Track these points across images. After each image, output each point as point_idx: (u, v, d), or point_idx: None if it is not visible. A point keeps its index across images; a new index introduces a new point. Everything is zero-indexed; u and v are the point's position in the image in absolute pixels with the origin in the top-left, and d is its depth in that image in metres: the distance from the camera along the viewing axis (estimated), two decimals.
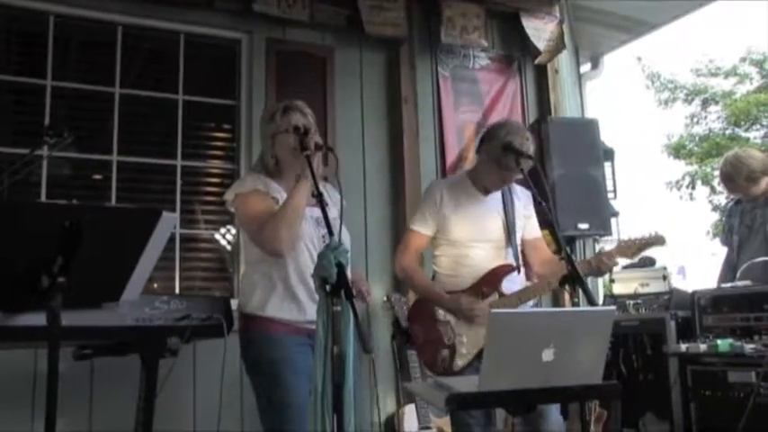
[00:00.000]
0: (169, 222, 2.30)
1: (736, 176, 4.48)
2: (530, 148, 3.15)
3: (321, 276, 2.17)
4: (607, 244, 5.66)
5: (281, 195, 2.86)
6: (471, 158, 5.23)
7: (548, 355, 2.13)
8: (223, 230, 4.75)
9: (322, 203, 2.43)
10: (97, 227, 2.10)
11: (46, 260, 2.03)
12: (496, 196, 3.34)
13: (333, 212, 2.86)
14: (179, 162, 4.57)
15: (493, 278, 3.19)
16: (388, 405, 4.47)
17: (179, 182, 4.55)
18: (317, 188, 2.46)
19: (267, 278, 2.83)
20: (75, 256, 2.05)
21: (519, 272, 3.28)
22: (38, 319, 2.19)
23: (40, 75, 4.28)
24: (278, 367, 2.74)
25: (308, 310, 2.77)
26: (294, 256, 2.81)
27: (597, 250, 3.89)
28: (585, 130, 5.21)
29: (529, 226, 3.42)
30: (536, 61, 5.62)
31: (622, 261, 3.48)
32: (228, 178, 4.73)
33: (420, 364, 4.07)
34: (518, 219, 3.35)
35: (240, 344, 2.86)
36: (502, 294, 3.16)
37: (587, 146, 5.13)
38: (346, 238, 2.89)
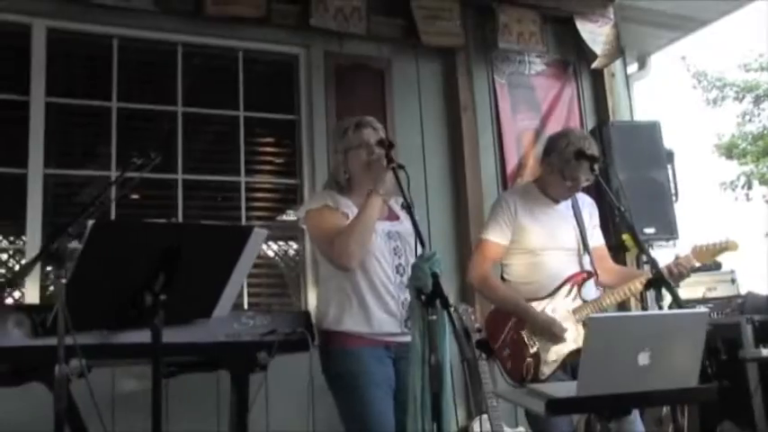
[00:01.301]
0: (259, 238, 2.34)
1: None
2: (596, 151, 3.17)
3: (416, 287, 2.19)
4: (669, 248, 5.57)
5: (352, 211, 2.88)
6: (531, 165, 5.21)
7: (644, 358, 2.12)
8: (284, 247, 4.79)
9: (412, 215, 2.46)
10: (194, 245, 2.15)
11: (149, 278, 2.08)
12: (567, 204, 3.34)
13: (405, 225, 2.93)
14: (242, 179, 4.62)
15: (573, 285, 3.17)
16: (459, 417, 4.44)
17: (243, 198, 4.60)
18: (405, 200, 2.49)
19: (340, 293, 2.85)
20: (176, 273, 2.10)
21: (596, 279, 3.26)
22: (138, 336, 2.25)
23: (105, 97, 4.37)
24: (357, 380, 2.75)
25: (381, 322, 2.79)
26: (365, 269, 2.82)
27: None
28: (647, 132, 5.16)
29: (596, 234, 3.41)
30: (593, 65, 5.57)
31: None
32: (291, 194, 4.78)
33: (493, 373, 4.04)
34: (588, 227, 3.34)
35: (320, 359, 2.89)
36: (584, 301, 3.14)
37: (649, 149, 5.08)
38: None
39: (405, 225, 2.96)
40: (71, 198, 4.32)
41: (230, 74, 4.74)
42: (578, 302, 3.13)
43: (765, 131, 15.36)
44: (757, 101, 15.64)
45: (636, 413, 2.96)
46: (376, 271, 2.83)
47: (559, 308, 3.14)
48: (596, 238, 3.40)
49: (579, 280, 3.18)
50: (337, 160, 3.02)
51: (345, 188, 2.98)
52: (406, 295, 2.78)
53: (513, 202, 3.30)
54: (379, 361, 2.80)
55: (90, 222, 1.96)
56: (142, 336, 2.18)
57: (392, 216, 3.00)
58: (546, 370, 3.07)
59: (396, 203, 3.06)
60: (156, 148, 2.59)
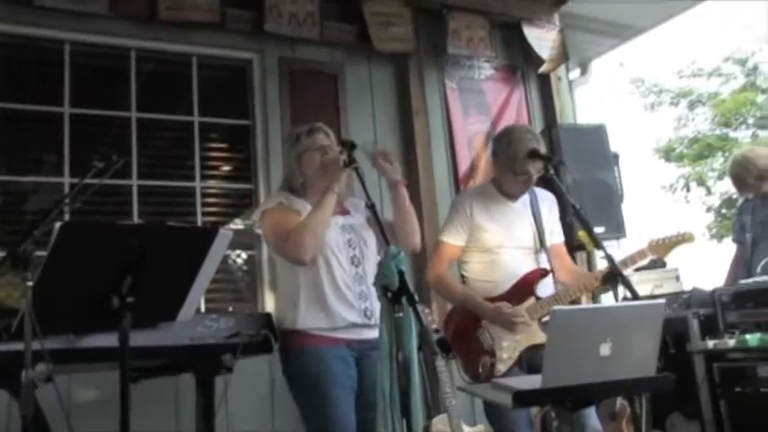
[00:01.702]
0: (224, 240, 2.34)
1: (746, 176, 4.57)
2: (543, 146, 3.25)
3: (383, 284, 2.22)
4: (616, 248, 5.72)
5: (307, 210, 2.92)
6: (483, 168, 5.30)
7: (605, 349, 2.19)
8: (240, 252, 4.78)
9: (376, 214, 2.50)
10: (161, 246, 2.14)
11: (116, 280, 2.07)
12: (525, 201, 3.40)
13: (357, 219, 3.05)
14: (198, 184, 4.61)
15: (528, 283, 3.23)
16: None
17: (199, 204, 4.58)
18: (369, 199, 2.53)
19: (298, 290, 2.88)
20: (143, 275, 2.10)
21: (553, 275, 3.34)
22: (103, 340, 2.24)
23: (57, 102, 4.31)
24: (319, 380, 2.78)
25: (340, 314, 2.83)
26: (323, 262, 2.87)
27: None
28: (594, 135, 5.31)
29: (555, 231, 3.48)
30: (540, 70, 5.71)
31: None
32: (246, 198, 4.78)
33: (451, 371, 4.10)
34: (546, 223, 3.42)
35: (281, 360, 2.90)
36: (538, 298, 3.21)
37: (596, 151, 5.22)
38: (374, 246, 3.02)
39: (356, 219, 3.06)
40: (18, 206, 4.24)
41: (184, 79, 4.73)
42: (532, 300, 3.20)
43: (700, 135, 15.85)
44: (691, 106, 16.14)
45: (592, 410, 3.04)
46: (333, 263, 2.88)
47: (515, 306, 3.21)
48: (556, 235, 3.46)
49: (535, 277, 3.25)
50: (291, 165, 3.08)
51: (299, 191, 3.04)
52: (362, 287, 2.89)
53: (468, 204, 3.35)
54: (342, 361, 2.83)
55: (57, 225, 1.94)
56: (108, 339, 2.17)
57: (344, 211, 3.06)
58: (501, 367, 3.12)
59: (347, 202, 3.13)
60: (117, 153, 2.57)
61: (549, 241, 3.40)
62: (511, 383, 2.32)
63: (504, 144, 3.29)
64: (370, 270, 2.90)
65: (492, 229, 3.32)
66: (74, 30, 4.36)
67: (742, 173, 4.59)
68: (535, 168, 3.21)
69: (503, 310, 3.13)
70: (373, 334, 2.70)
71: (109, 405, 2.22)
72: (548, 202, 3.46)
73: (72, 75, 4.37)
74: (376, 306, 2.76)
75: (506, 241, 3.31)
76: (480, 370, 3.17)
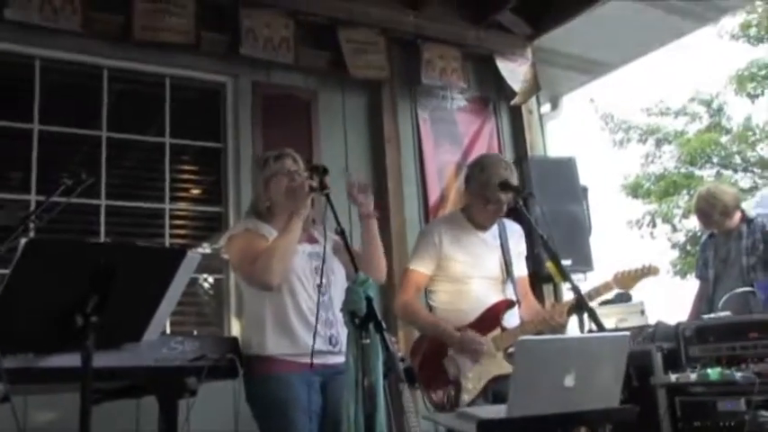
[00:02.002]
0: (192, 262, 2.32)
1: (711, 212, 4.66)
2: (515, 177, 3.30)
3: (350, 310, 2.22)
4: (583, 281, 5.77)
5: (273, 235, 2.93)
6: (453, 198, 5.34)
7: (570, 380, 2.21)
8: (205, 275, 4.74)
9: (346, 240, 2.51)
10: (128, 265, 2.12)
11: (80, 299, 2.04)
12: (494, 233, 3.42)
13: (318, 249, 2.97)
14: (167, 206, 4.58)
15: (494, 313, 3.25)
16: None
17: (168, 225, 4.54)
18: (338, 224, 2.54)
19: (264, 317, 2.88)
20: (108, 295, 2.07)
21: (519, 306, 3.36)
22: (64, 360, 2.20)
23: (26, 119, 4.27)
24: (284, 406, 2.77)
25: (306, 341, 2.80)
26: (288, 289, 2.88)
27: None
28: (564, 168, 5.37)
29: (521, 265, 3.50)
30: (512, 102, 5.78)
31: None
32: (215, 222, 4.75)
33: (415, 400, 4.08)
34: (513, 255, 3.44)
35: (245, 387, 2.87)
36: (504, 329, 3.22)
37: (566, 184, 5.28)
38: (341, 273, 3.03)
39: (323, 247, 2.98)
40: None
41: (157, 100, 4.71)
42: (498, 331, 3.21)
43: (666, 173, 16.11)
44: (658, 143, 16.41)
45: None
46: (299, 290, 2.89)
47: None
48: (521, 269, 3.50)
49: (501, 308, 3.26)
50: (258, 190, 3.11)
51: (266, 216, 3.05)
52: (328, 314, 2.89)
53: (438, 233, 3.37)
54: (308, 386, 2.82)
55: (22, 241, 1.91)
56: (69, 359, 2.13)
57: (311, 239, 3.08)
58: (466, 397, 3.12)
59: (314, 229, 3.14)
60: (86, 171, 2.55)
61: (515, 273, 3.44)
62: (476, 413, 2.32)
63: (476, 171, 3.34)
64: (337, 298, 2.89)
65: (461, 259, 3.34)
66: (45, 46, 4.33)
67: (707, 208, 4.69)
68: (506, 198, 3.25)
69: (469, 338, 3.14)
70: (339, 359, 2.75)
71: (68, 428, 2.18)
72: (516, 235, 3.50)
73: (42, 91, 4.34)
74: (342, 333, 2.76)
75: (474, 271, 3.33)
76: (445, 399, 3.17)
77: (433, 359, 3.26)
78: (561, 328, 3.27)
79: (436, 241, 3.35)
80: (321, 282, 2.88)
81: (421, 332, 3.41)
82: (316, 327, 2.76)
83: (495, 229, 3.43)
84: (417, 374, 3.31)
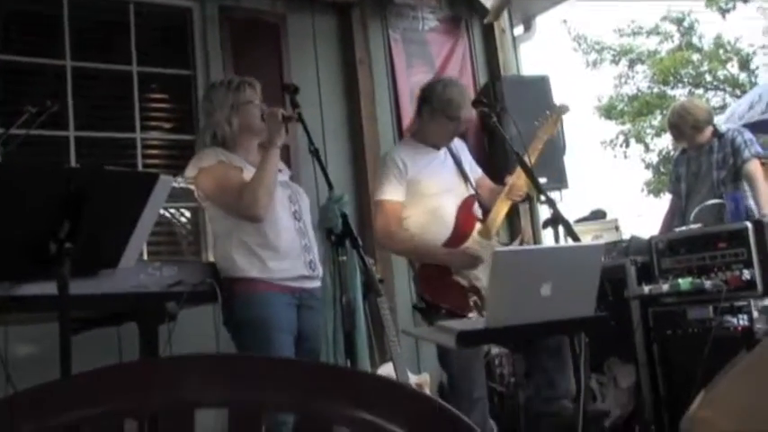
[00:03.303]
0: (166, 186, 2.30)
1: (682, 125, 4.70)
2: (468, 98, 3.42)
3: (326, 227, 2.23)
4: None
5: (245, 166, 2.94)
6: None
7: (546, 290, 2.24)
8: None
9: (320, 159, 2.50)
10: (100, 190, 2.09)
11: (52, 226, 2.01)
12: (444, 150, 3.51)
13: (286, 177, 3.11)
14: (138, 135, 4.50)
15: (465, 215, 3.30)
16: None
17: (140, 155, 4.48)
18: (312, 144, 2.53)
19: (244, 245, 2.88)
20: (81, 220, 2.04)
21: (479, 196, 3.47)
22: (43, 287, 2.19)
23: None
24: (264, 325, 2.81)
25: (287, 267, 2.86)
26: (268, 218, 2.88)
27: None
28: (537, 86, 5.32)
29: (473, 167, 3.62)
30: (485, 21, 5.70)
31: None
32: (188, 150, 4.67)
33: (395, 317, 4.14)
34: (465, 164, 3.53)
35: (223, 310, 2.89)
36: (482, 220, 3.27)
37: (539, 102, 5.22)
38: (306, 201, 3.07)
39: (287, 175, 3.14)
40: None
41: (122, 27, 4.57)
42: (479, 225, 3.25)
43: (639, 93, 16.15)
44: (632, 64, 16.42)
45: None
46: (278, 218, 2.90)
47: (469, 244, 3.26)
48: (475, 170, 3.61)
49: (468, 207, 3.31)
50: (221, 116, 3.02)
51: (230, 145, 3.02)
52: (305, 240, 2.91)
53: (399, 158, 3.39)
54: (286, 306, 2.86)
55: None
56: (47, 288, 2.12)
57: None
58: None
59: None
60: (52, 101, 2.49)
61: (473, 179, 3.53)
62: (454, 325, 2.36)
63: (438, 89, 3.38)
64: (308, 223, 2.98)
65: (426, 178, 3.38)
66: None
67: (679, 121, 4.72)
68: (468, 111, 3.34)
69: (464, 253, 3.17)
70: (316, 284, 2.83)
71: (50, 358, 2.18)
72: (459, 144, 3.60)
73: (2, 21, 4.18)
74: (317, 260, 2.86)
75: (440, 188, 3.39)
76: (474, 308, 3.18)
77: (444, 278, 3.26)
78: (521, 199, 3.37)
79: (400, 166, 3.37)
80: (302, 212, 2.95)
81: (412, 259, 3.44)
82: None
83: (444, 151, 3.51)
84: (436, 300, 3.29)
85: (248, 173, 2.90)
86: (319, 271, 2.85)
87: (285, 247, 2.88)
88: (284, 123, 2.84)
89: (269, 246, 2.86)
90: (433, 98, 3.37)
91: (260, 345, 2.79)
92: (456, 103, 3.30)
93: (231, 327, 2.91)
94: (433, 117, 3.38)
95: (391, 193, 3.36)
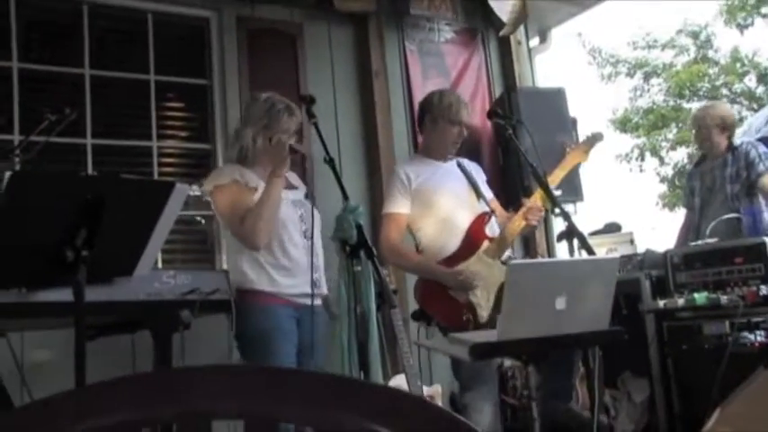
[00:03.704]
0: (181, 194, 2.31)
1: (709, 120, 4.67)
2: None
3: (341, 238, 2.23)
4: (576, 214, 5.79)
5: (259, 185, 3.02)
6: None
7: (560, 303, 2.23)
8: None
9: (334, 169, 2.50)
10: (117, 198, 2.10)
11: (69, 233, 2.03)
12: (452, 164, 3.56)
13: (302, 193, 3.20)
14: (155, 143, 4.53)
15: (476, 230, 3.31)
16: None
17: (156, 164, 4.50)
18: (327, 154, 2.53)
19: (254, 262, 2.99)
20: (98, 228, 2.05)
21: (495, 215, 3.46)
22: (59, 294, 2.20)
23: (4, 57, 4.17)
24: (269, 335, 2.89)
25: (294, 285, 2.97)
26: (277, 237, 2.99)
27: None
28: (553, 99, 5.31)
29: (486, 188, 3.63)
30: (500, 33, 5.70)
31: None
32: (204, 159, 4.71)
33: (408, 329, 4.13)
34: (478, 181, 3.56)
35: (235, 321, 2.92)
36: (491, 239, 3.27)
37: (555, 114, 5.23)
38: (318, 220, 3.12)
39: (301, 193, 3.21)
40: None
41: (140, 36, 4.60)
42: (486, 243, 3.24)
43: (654, 106, 16.08)
44: (647, 77, 16.36)
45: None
46: (287, 238, 3.00)
47: (472, 261, 3.25)
48: (488, 192, 3.62)
49: (481, 223, 3.30)
50: (250, 131, 3.12)
51: (250, 161, 3.11)
52: (313, 259, 2.94)
53: (403, 172, 3.47)
54: (288, 318, 2.96)
55: (7, 173, 1.89)
56: (62, 294, 2.13)
57: (291, 185, 3.17)
58: (484, 313, 3.17)
59: (291, 175, 3.24)
60: (70, 108, 2.51)
61: (485, 194, 3.54)
62: (467, 337, 2.35)
63: (435, 98, 3.50)
64: (318, 242, 3.08)
65: (431, 188, 3.42)
66: None
67: (706, 116, 4.75)
68: (467, 118, 3.44)
69: (457, 276, 3.17)
70: (317, 301, 2.97)
71: (64, 364, 2.19)
72: (473, 168, 3.63)
73: (20, 28, 4.22)
74: (323, 278, 3.02)
75: (447, 198, 3.42)
76: (467, 323, 3.19)
77: (441, 292, 3.28)
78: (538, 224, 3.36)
79: (403, 178, 3.43)
80: (312, 231, 2.99)
81: (409, 272, 3.46)
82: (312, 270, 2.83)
83: (452, 163, 3.55)
84: (430, 310, 3.31)
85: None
86: (323, 289, 3.02)
87: (293, 264, 2.98)
88: (290, 155, 2.96)
89: (278, 263, 2.97)
90: (432, 107, 3.47)
91: (264, 354, 2.86)
92: (455, 107, 3.41)
93: (238, 335, 2.96)
94: (436, 125, 3.46)
95: (395, 206, 3.41)
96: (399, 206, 3.39)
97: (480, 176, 3.62)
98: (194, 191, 4.68)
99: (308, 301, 2.90)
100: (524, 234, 3.42)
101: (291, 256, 2.98)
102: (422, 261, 3.36)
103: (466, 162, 3.60)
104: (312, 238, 3.01)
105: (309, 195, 3.01)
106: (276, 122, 3.07)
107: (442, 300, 3.25)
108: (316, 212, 3.11)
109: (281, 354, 2.85)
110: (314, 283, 2.91)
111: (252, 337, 2.93)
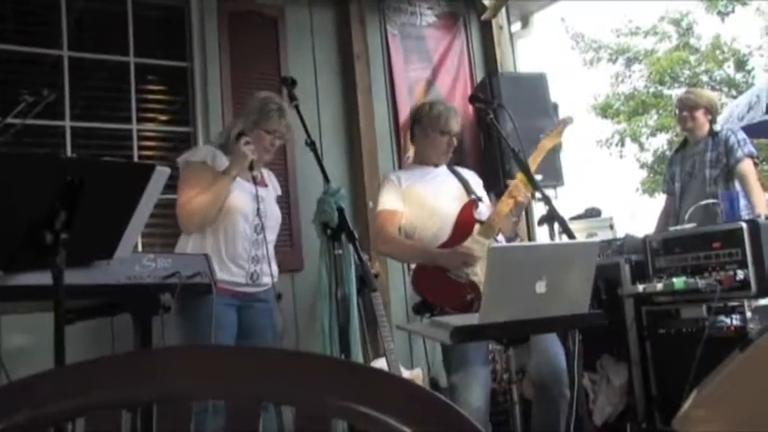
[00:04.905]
0: (162, 177, 2.29)
1: (698, 100, 4.70)
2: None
3: (322, 221, 2.22)
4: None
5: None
6: None
7: (541, 286, 2.24)
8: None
9: (315, 152, 2.50)
10: (95, 181, 2.08)
11: (48, 216, 2.00)
12: (446, 170, 3.59)
13: (270, 193, 3.27)
14: (134, 126, 4.48)
15: (466, 217, 3.30)
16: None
17: (136, 146, 4.47)
18: (308, 135, 2.52)
19: (199, 245, 3.07)
20: (77, 211, 2.03)
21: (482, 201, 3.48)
22: (38, 278, 2.18)
23: None
24: (205, 321, 2.84)
25: (231, 273, 3.06)
26: (229, 225, 3.07)
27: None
28: (534, 83, 5.32)
29: (483, 196, 3.61)
30: (482, 17, 5.69)
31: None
32: (184, 142, 4.67)
33: (389, 312, 4.14)
34: (472, 184, 3.57)
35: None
36: (482, 222, 3.28)
37: (536, 99, 5.25)
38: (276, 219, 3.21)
39: (269, 192, 3.28)
40: None
41: (120, 18, 4.54)
42: (477, 226, 3.26)
43: (636, 92, 16.16)
44: (628, 63, 16.43)
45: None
46: (237, 228, 3.07)
47: (468, 243, 3.26)
48: (484, 197, 3.60)
49: (469, 209, 3.32)
50: (242, 125, 3.18)
51: (228, 149, 3.16)
52: (258, 252, 3.08)
53: (395, 176, 3.52)
54: (226, 306, 3.00)
55: None
56: (41, 278, 2.11)
57: (263, 182, 3.24)
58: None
59: (266, 171, 3.34)
60: (49, 90, 2.48)
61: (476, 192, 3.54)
62: (448, 320, 2.36)
63: (425, 108, 3.53)
64: (270, 239, 3.17)
65: (422, 188, 3.44)
66: None
67: (695, 99, 4.76)
68: (457, 124, 3.46)
69: (456, 252, 3.17)
70: (257, 289, 3.09)
71: (43, 348, 2.18)
72: (470, 176, 3.65)
73: None
74: (265, 271, 3.07)
75: (438, 195, 3.43)
76: (471, 305, 3.16)
77: (440, 277, 3.25)
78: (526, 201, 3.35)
79: (394, 180, 3.47)
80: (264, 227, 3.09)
81: (410, 260, 3.48)
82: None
83: (444, 167, 3.58)
84: (434, 298, 3.28)
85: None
86: (264, 280, 3.10)
87: (233, 254, 3.06)
88: (245, 166, 3.00)
89: (218, 250, 3.04)
90: (422, 118, 3.50)
91: (195, 334, 2.92)
92: (444, 117, 3.43)
93: (176, 311, 2.96)
94: (426, 135, 3.49)
95: (387, 203, 3.44)
96: (392, 203, 3.41)
97: (475, 181, 3.63)
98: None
99: (246, 290, 3.06)
100: (517, 215, 3.41)
101: (236, 245, 3.06)
102: (418, 245, 3.35)
103: (463, 172, 3.65)
104: (264, 232, 3.10)
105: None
106: (265, 121, 3.14)
107: (443, 284, 3.22)
108: (276, 212, 3.24)
109: (217, 340, 2.85)
110: (251, 276, 3.06)
111: (189, 318, 2.98)
